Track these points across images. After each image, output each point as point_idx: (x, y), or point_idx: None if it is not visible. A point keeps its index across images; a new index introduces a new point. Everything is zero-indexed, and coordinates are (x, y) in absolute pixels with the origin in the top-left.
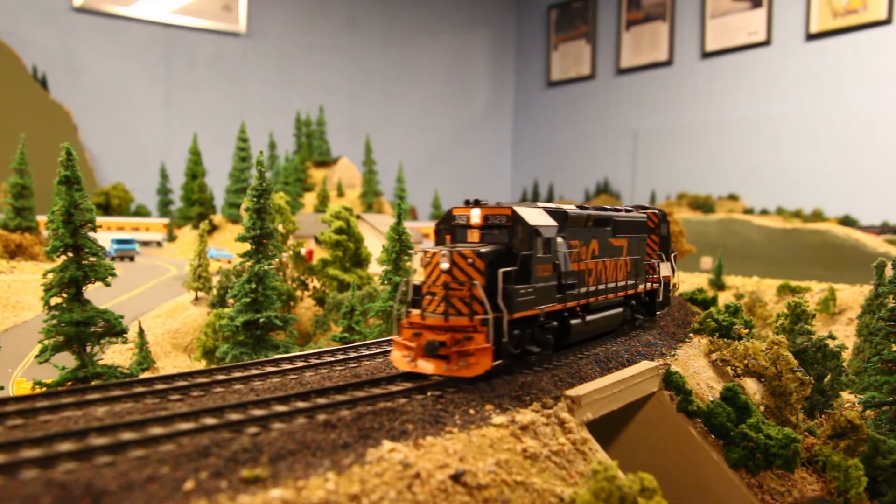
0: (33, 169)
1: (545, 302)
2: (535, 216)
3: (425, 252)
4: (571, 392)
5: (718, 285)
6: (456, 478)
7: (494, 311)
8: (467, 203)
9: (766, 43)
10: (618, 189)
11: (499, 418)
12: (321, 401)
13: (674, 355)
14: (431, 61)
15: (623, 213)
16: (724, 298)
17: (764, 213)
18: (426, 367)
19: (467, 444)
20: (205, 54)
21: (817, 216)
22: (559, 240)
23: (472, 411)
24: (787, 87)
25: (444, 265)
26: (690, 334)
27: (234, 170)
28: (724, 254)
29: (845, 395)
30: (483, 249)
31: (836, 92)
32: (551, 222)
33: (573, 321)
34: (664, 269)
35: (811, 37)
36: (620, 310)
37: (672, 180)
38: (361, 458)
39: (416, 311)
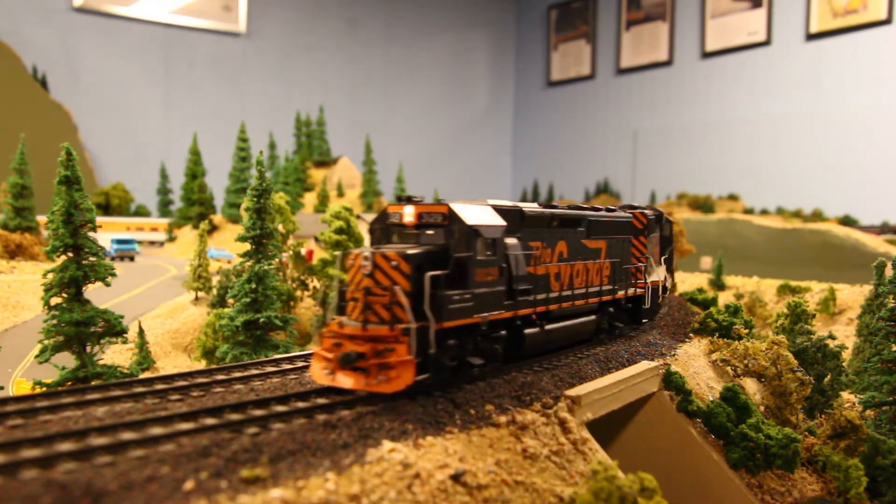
0: (33, 169)
1: (488, 309)
2: (477, 214)
3: (347, 253)
4: (571, 392)
5: (718, 285)
6: (456, 478)
7: (421, 319)
8: (399, 200)
9: (766, 43)
10: (618, 189)
11: (499, 418)
12: (321, 400)
13: (674, 355)
14: (431, 61)
15: (601, 213)
16: (724, 298)
17: (764, 213)
18: (345, 381)
19: (467, 443)
20: (205, 54)
21: (817, 216)
22: (511, 241)
23: (472, 411)
24: (787, 87)
25: (366, 268)
26: (690, 334)
27: (234, 170)
28: (724, 254)
29: (845, 395)
30: (411, 251)
31: (836, 92)
32: (497, 221)
33: (528, 330)
34: (657, 273)
35: (811, 37)
36: (593, 317)
37: (672, 180)
38: (361, 458)
39: (339, 319)
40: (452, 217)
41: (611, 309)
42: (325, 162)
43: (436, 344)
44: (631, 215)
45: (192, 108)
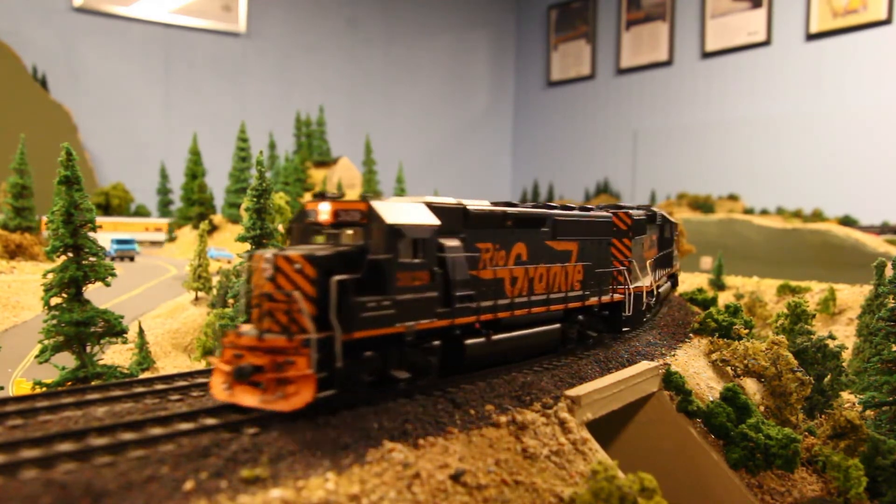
0: (33, 169)
1: (415, 317)
2: (402, 213)
3: (252, 255)
4: (571, 392)
5: (718, 285)
6: (456, 478)
7: (329, 328)
8: (315, 196)
9: (766, 43)
10: (618, 189)
11: (499, 418)
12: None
13: (674, 355)
14: (431, 61)
15: (571, 213)
16: (724, 298)
17: (764, 213)
18: (244, 398)
19: (467, 443)
20: (205, 54)
21: (817, 216)
22: (451, 242)
23: (472, 411)
24: (787, 87)
25: (267, 272)
26: (690, 334)
27: (234, 170)
28: (724, 254)
29: (845, 395)
30: (318, 253)
31: (836, 92)
32: (428, 220)
33: (470, 341)
34: (645, 278)
35: (811, 37)
36: (557, 326)
37: (672, 180)
38: (361, 458)
39: (240, 328)
40: (371, 215)
41: (580, 317)
42: (325, 162)
43: (346, 356)
44: (610, 215)
45: (192, 108)
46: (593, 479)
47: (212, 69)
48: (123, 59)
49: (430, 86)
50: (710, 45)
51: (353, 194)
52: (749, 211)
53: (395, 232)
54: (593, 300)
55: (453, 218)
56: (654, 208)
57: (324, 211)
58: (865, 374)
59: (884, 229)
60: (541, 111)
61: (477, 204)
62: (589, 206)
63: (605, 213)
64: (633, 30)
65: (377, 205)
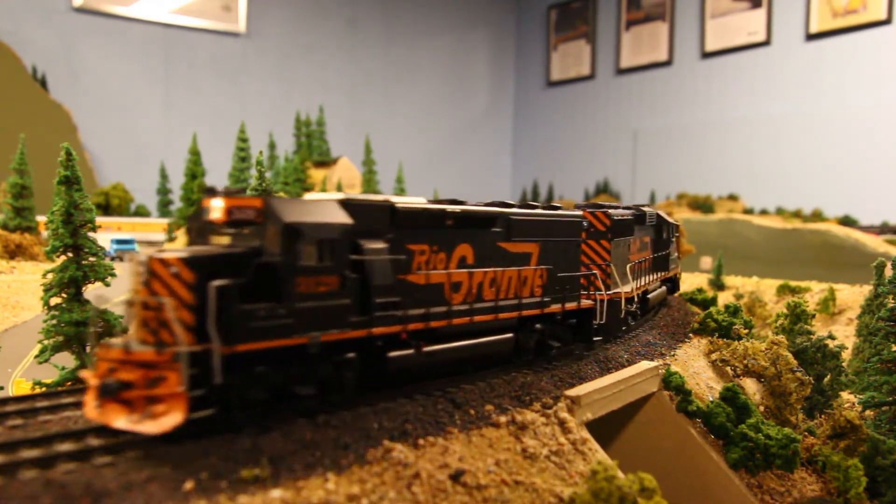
0: (33, 169)
1: (321, 327)
2: (304, 210)
3: (131, 258)
4: (571, 392)
5: (718, 285)
6: (455, 478)
7: (205, 340)
8: (207, 192)
9: (766, 43)
10: (618, 189)
11: (498, 418)
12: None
13: (673, 355)
14: (431, 61)
15: (531, 212)
16: (724, 298)
17: (764, 213)
18: (112, 417)
19: (467, 443)
20: (205, 54)
21: (817, 216)
22: (372, 244)
23: (471, 411)
24: (787, 87)
25: (142, 276)
26: (690, 334)
27: (234, 170)
28: (724, 254)
29: (845, 395)
30: (199, 254)
31: (836, 92)
32: (337, 219)
33: (395, 353)
34: (625, 284)
35: (811, 37)
36: (509, 336)
37: (672, 180)
38: (361, 458)
39: (115, 339)
40: (267, 213)
41: (538, 325)
42: (325, 162)
43: (232, 372)
44: (579, 215)
45: (192, 108)
46: (593, 479)
47: (212, 69)
48: (123, 59)
49: (430, 86)
50: (710, 45)
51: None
52: (749, 211)
53: (294, 232)
54: (555, 307)
55: (376, 217)
56: (647, 208)
57: (216, 208)
58: (865, 374)
59: (884, 229)
60: (541, 111)
61: (408, 201)
62: (556, 205)
63: (574, 213)
64: (633, 30)
65: (274, 201)
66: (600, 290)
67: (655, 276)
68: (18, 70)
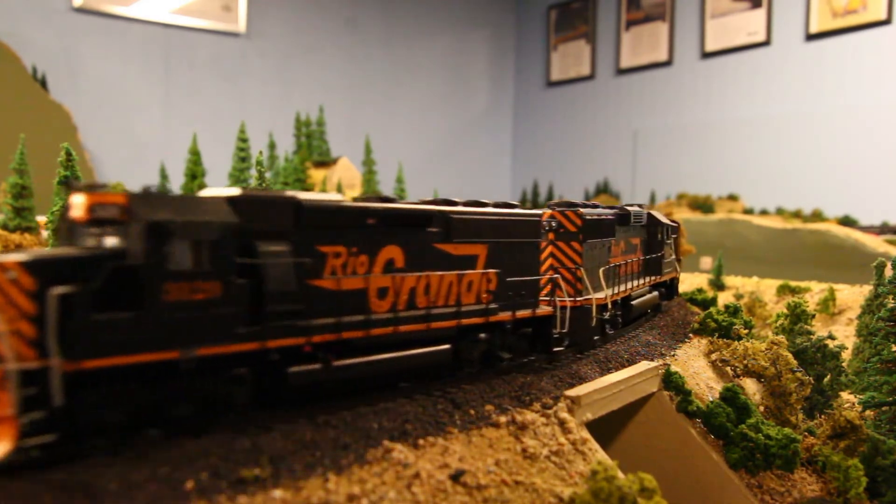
0: (33, 169)
1: (198, 340)
2: (176, 206)
3: None
4: (571, 392)
5: (718, 285)
6: (455, 478)
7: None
8: (61, 183)
9: (766, 43)
10: (618, 189)
11: (498, 418)
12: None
13: (673, 355)
14: (431, 61)
15: (478, 210)
16: (724, 299)
17: (764, 213)
18: None
19: (467, 444)
20: (205, 54)
21: (817, 216)
22: (271, 245)
23: (471, 411)
24: (787, 87)
25: None
26: (690, 334)
27: (234, 170)
28: (724, 254)
29: (845, 395)
30: (43, 257)
31: (836, 92)
32: (219, 217)
33: (296, 368)
34: (599, 290)
35: (811, 37)
36: (446, 347)
37: (672, 180)
38: (361, 457)
39: None
40: (131, 210)
41: (482, 335)
42: (325, 162)
43: (83, 391)
44: (538, 214)
45: (192, 108)
46: (593, 479)
47: (212, 69)
48: (123, 59)
49: (430, 86)
50: (710, 46)
51: (352, 194)
52: (749, 211)
53: (161, 231)
54: (504, 315)
55: (277, 215)
56: (635, 207)
57: (76, 205)
58: (865, 374)
59: (884, 229)
60: (541, 111)
61: (320, 197)
62: (513, 203)
63: (531, 212)
64: (633, 30)
65: (140, 197)
66: (566, 296)
67: (644, 281)
68: (18, 70)
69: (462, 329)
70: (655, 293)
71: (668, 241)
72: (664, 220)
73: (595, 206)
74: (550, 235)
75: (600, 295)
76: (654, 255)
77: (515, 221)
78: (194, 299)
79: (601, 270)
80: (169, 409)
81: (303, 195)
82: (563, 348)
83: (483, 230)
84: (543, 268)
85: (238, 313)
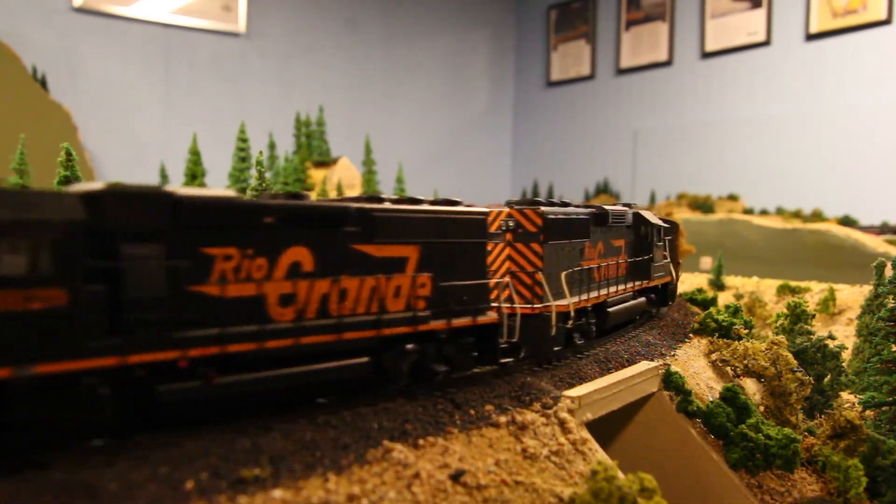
0: (33, 169)
1: (34, 356)
2: (5, 203)
3: None
4: (571, 392)
5: (718, 285)
6: (455, 478)
7: None
8: None
9: (766, 43)
10: (618, 189)
11: (498, 418)
12: (320, 400)
13: (673, 355)
14: (431, 61)
15: (405, 207)
16: (724, 299)
17: (764, 213)
18: None
19: (467, 444)
20: (205, 54)
21: (817, 216)
22: (135, 247)
23: (471, 411)
24: (787, 87)
25: None
26: (690, 334)
27: (234, 170)
28: (724, 254)
29: (845, 395)
30: None
31: (836, 92)
32: (59, 215)
33: (167, 386)
34: (558, 296)
35: (811, 37)
36: (363, 360)
37: (672, 180)
38: (361, 457)
39: None
40: None
41: (408, 346)
42: (325, 162)
43: None
44: (484, 212)
45: (192, 108)
46: (593, 479)
47: (212, 69)
48: (123, 59)
49: (430, 86)
50: (710, 46)
51: (352, 195)
52: (749, 211)
53: None
54: (437, 324)
55: (147, 212)
56: (618, 206)
57: None
58: (865, 375)
59: (884, 229)
60: (541, 111)
61: (202, 192)
62: (455, 200)
63: (476, 209)
64: (633, 30)
65: None
66: (525, 303)
67: (627, 286)
68: (18, 70)
69: (385, 340)
70: (642, 299)
71: (660, 243)
72: (655, 220)
73: (565, 205)
74: (508, 236)
75: (563, 302)
76: (641, 258)
77: (456, 220)
78: (30, 309)
79: (563, 275)
80: (5, 435)
81: (183, 190)
82: (513, 360)
83: (414, 229)
84: (501, 271)
85: (91, 324)
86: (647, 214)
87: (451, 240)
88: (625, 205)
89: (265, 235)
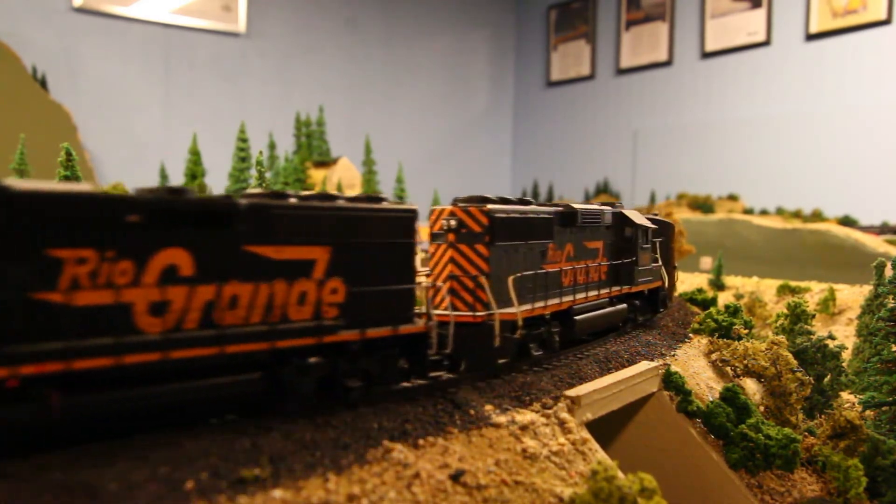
0: (33, 169)
1: None
2: None
3: None
4: (571, 392)
5: (718, 285)
6: (455, 478)
7: None
8: None
9: (766, 43)
10: (618, 189)
11: (498, 418)
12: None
13: (673, 355)
14: (431, 61)
15: (311, 204)
16: (724, 299)
17: (764, 213)
18: None
19: (467, 444)
20: (205, 54)
21: (817, 216)
22: None
23: (471, 411)
24: (787, 87)
25: None
26: (690, 334)
27: (234, 170)
28: (724, 254)
29: (845, 395)
30: None
31: (836, 92)
32: None
33: None
34: (503, 304)
35: (811, 37)
36: (253, 376)
37: (672, 180)
38: (361, 458)
39: None
40: None
41: (313, 359)
42: (325, 162)
43: None
44: (410, 210)
45: (192, 108)
46: (593, 479)
47: (212, 69)
48: (123, 59)
49: (430, 86)
50: (710, 46)
51: (352, 194)
52: (749, 211)
53: None
54: (348, 334)
55: None
56: (594, 205)
57: None
58: (865, 374)
59: (884, 229)
60: (541, 111)
61: (48, 187)
62: (380, 197)
63: (401, 207)
64: (633, 30)
65: None
66: (468, 310)
67: (602, 292)
68: (18, 70)
69: (281, 353)
70: (622, 306)
71: (647, 245)
72: (641, 220)
73: (525, 203)
74: (450, 237)
75: (510, 310)
76: (622, 262)
77: (375, 218)
78: None
79: (511, 279)
80: None
81: (22, 183)
82: (444, 373)
83: (322, 228)
84: (444, 275)
85: None
86: (633, 214)
87: (369, 240)
88: (604, 204)
89: (131, 236)
